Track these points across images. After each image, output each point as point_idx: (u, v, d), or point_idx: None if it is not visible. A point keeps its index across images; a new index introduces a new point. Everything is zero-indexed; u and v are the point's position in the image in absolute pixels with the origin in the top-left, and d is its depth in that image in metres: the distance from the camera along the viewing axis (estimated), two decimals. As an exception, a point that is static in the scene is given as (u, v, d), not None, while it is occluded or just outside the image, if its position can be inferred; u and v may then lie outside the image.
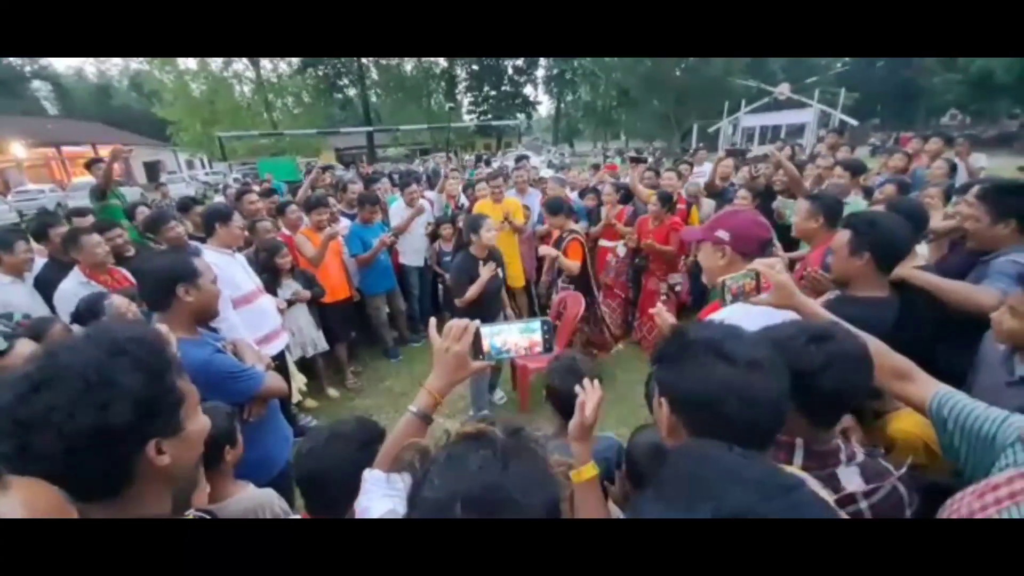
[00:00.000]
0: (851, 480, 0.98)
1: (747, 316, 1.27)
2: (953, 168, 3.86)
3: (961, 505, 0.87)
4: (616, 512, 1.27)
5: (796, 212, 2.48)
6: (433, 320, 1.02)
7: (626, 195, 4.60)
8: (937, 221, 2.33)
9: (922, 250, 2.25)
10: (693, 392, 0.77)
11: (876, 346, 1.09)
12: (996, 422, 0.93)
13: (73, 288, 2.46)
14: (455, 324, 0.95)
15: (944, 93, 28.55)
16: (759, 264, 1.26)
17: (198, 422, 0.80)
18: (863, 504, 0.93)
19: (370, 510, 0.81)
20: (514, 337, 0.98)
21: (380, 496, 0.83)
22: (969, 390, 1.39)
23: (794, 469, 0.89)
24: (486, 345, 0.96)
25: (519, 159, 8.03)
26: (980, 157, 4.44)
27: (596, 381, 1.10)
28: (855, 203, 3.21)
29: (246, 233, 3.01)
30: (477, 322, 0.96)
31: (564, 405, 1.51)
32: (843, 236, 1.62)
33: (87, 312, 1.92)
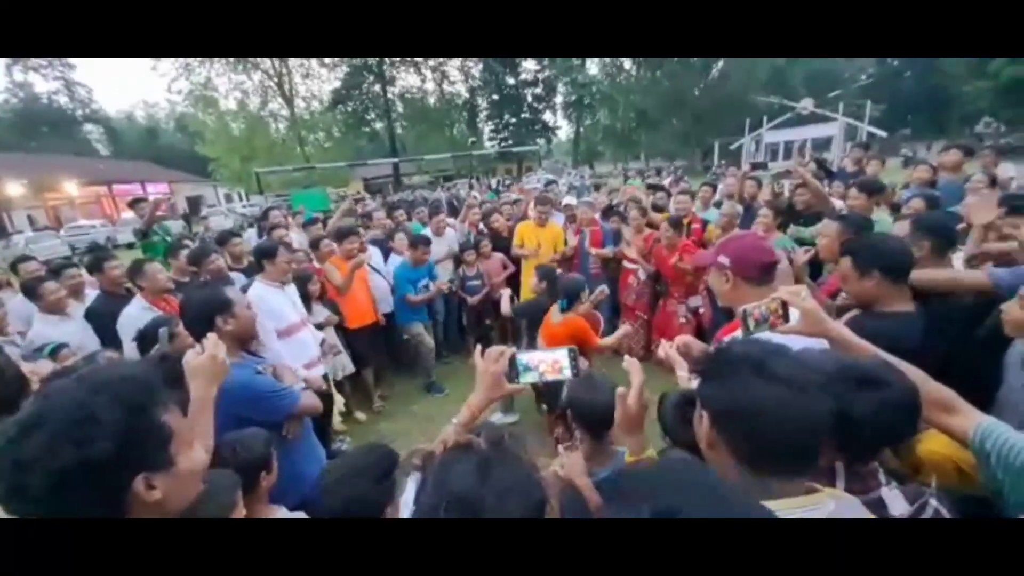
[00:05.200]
0: (895, 503, 0.96)
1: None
2: (993, 181, 3.74)
3: None
4: None
5: (824, 234, 2.39)
6: (479, 346, 1.14)
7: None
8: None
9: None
10: (733, 408, 0.77)
11: (914, 375, 1.06)
12: None
13: (137, 313, 2.66)
14: (494, 349, 1.09)
15: (976, 100, 27.65)
16: (783, 292, 1.23)
17: (193, 458, 0.80)
18: None
19: (408, 502, 0.96)
20: (544, 362, 1.08)
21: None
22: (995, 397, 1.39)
23: (836, 491, 0.87)
24: (521, 367, 1.08)
25: (548, 184, 8.14)
26: (1008, 167, 4.29)
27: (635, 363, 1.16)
28: (881, 220, 3.10)
29: (294, 266, 3.15)
30: (513, 348, 1.09)
31: (588, 420, 1.51)
32: (845, 263, 1.65)
33: (150, 335, 2.07)
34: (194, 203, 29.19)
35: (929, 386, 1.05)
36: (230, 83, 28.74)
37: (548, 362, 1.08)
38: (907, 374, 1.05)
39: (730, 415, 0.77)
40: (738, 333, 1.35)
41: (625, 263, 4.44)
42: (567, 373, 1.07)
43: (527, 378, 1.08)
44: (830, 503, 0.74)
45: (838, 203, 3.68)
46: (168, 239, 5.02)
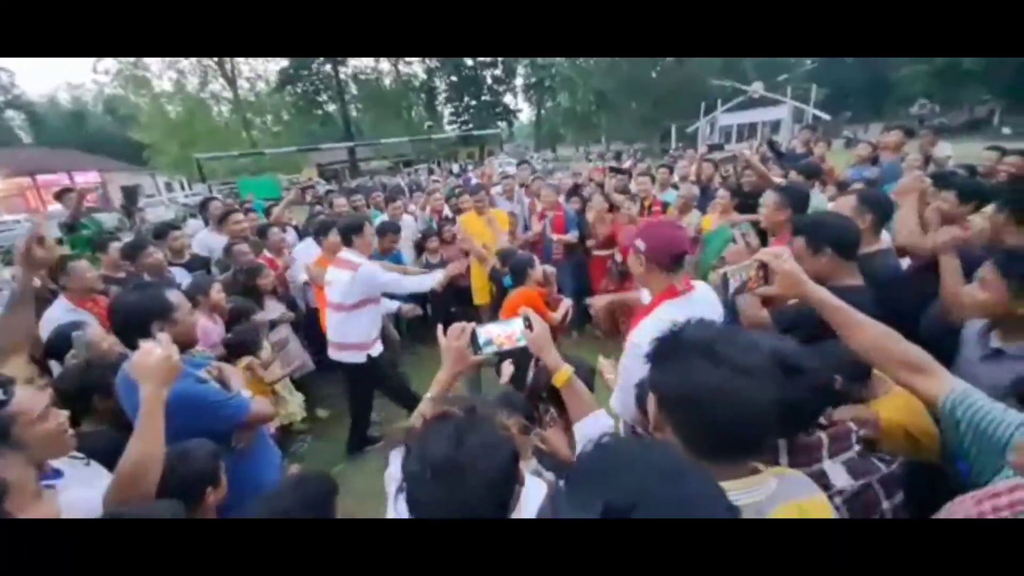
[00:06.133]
0: (839, 476, 0.99)
1: (681, 313, 1.37)
2: (927, 160, 3.96)
3: (959, 510, 0.85)
4: None
5: (764, 205, 2.56)
6: (440, 326, 1.24)
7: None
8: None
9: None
10: (679, 392, 0.76)
11: (887, 335, 1.07)
12: (1011, 426, 0.90)
13: (60, 315, 2.42)
14: (455, 326, 1.22)
15: (912, 83, 29.40)
16: (764, 254, 1.26)
17: (38, 511, 0.73)
18: (836, 500, 0.96)
19: (394, 474, 0.98)
20: (500, 334, 1.22)
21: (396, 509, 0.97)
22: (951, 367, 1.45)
23: (781, 468, 0.90)
24: (481, 341, 1.21)
25: (520, 164, 8.06)
26: (945, 146, 4.55)
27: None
28: (817, 200, 3.29)
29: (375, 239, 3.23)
30: (473, 324, 1.22)
31: (559, 399, 1.56)
32: (799, 242, 1.73)
33: (58, 342, 1.87)
34: (130, 193, 27.05)
35: (901, 346, 1.06)
36: (163, 62, 26.62)
37: (504, 334, 1.22)
38: (880, 332, 1.07)
39: (676, 399, 0.76)
40: (657, 318, 1.43)
41: (596, 251, 4.45)
42: (522, 342, 1.20)
43: (487, 350, 1.22)
44: (772, 482, 0.75)
45: (782, 183, 3.81)
46: (100, 232, 4.62)
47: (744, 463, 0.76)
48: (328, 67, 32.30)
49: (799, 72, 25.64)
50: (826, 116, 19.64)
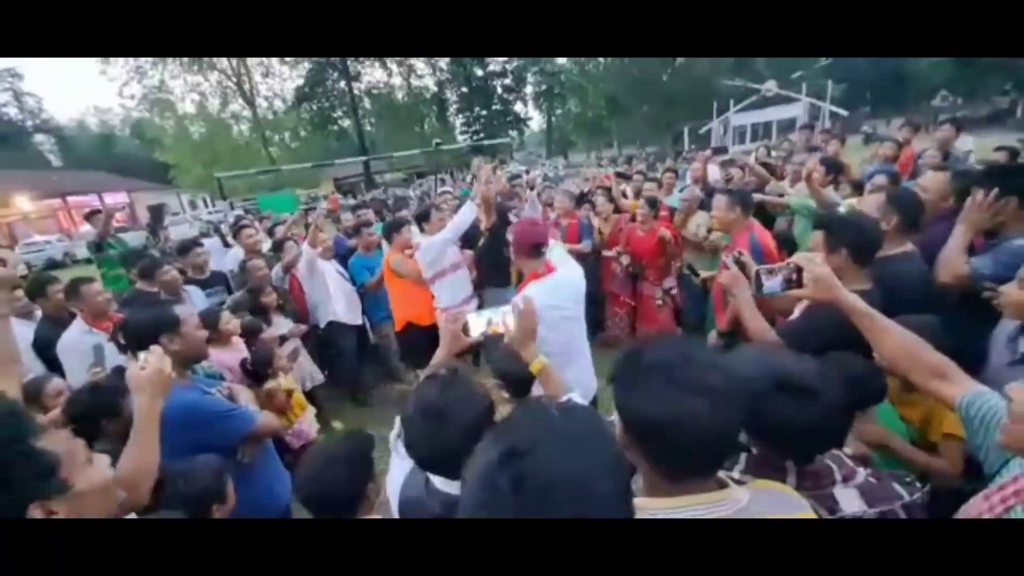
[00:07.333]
0: (850, 502, 0.96)
1: (542, 289, 1.80)
2: (946, 155, 3.83)
3: (971, 509, 0.87)
4: None
5: (715, 206, 2.68)
6: (441, 313, 1.44)
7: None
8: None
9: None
10: (641, 416, 0.75)
11: (914, 342, 1.09)
12: None
13: (77, 337, 2.51)
14: (452, 312, 1.42)
15: (933, 75, 28.64)
16: (798, 258, 1.30)
17: (92, 477, 0.83)
18: None
19: (393, 480, 1.20)
20: (490, 321, 1.44)
21: (398, 463, 1.20)
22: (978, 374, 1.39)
23: (766, 482, 0.88)
24: (471, 326, 1.44)
25: (514, 177, 8.07)
26: (967, 140, 4.41)
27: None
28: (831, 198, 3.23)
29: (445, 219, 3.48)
30: (467, 309, 1.38)
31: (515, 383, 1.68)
32: (817, 237, 1.68)
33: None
34: (156, 212, 28.08)
35: (928, 353, 1.08)
36: (186, 85, 27.63)
37: (494, 321, 1.44)
38: (907, 341, 1.09)
39: (637, 423, 0.76)
40: (523, 295, 1.62)
41: (604, 251, 4.42)
42: (511, 327, 1.39)
43: (478, 334, 1.44)
44: (742, 497, 0.74)
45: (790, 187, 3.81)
46: (125, 251, 4.78)
47: (710, 478, 0.77)
48: (342, 83, 33.07)
49: (814, 68, 25.16)
50: (843, 112, 19.24)
